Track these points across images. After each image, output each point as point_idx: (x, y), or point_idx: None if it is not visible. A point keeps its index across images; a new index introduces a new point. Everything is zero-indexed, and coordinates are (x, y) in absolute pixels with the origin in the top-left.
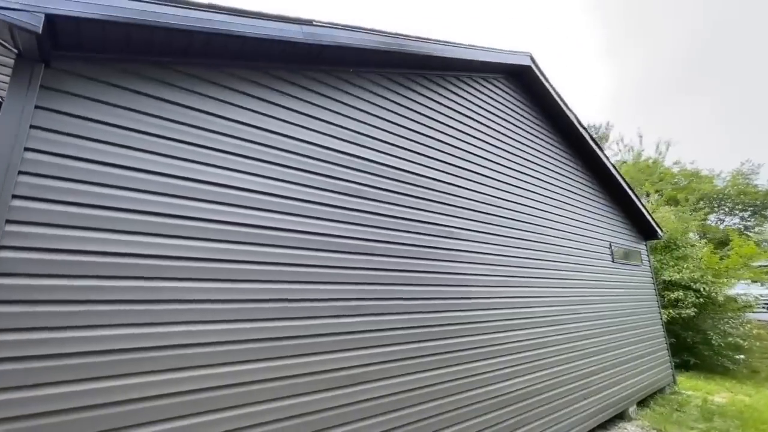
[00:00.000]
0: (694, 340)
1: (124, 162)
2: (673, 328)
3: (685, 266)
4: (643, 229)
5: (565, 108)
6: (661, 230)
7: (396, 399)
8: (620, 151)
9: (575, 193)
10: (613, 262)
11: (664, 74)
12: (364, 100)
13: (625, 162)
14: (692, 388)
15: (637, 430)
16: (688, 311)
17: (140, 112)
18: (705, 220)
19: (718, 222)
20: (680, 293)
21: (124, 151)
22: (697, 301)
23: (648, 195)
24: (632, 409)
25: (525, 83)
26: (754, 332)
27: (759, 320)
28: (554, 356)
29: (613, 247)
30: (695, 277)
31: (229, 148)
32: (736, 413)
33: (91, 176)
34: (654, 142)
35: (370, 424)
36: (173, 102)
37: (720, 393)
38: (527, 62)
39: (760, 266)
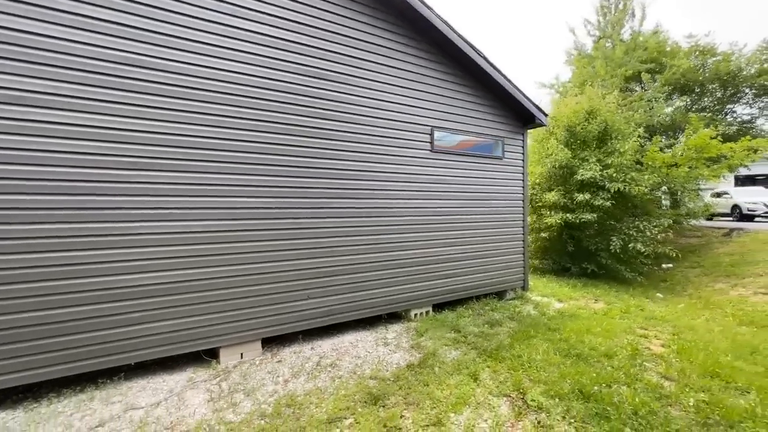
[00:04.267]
0: (599, 247)
1: None
2: (576, 234)
3: (606, 162)
4: (520, 113)
5: None
6: (544, 114)
7: None
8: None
9: (369, 60)
10: (432, 151)
11: None
12: None
13: (622, 40)
14: (550, 294)
15: (399, 329)
16: (584, 216)
17: None
18: (686, 106)
19: (727, 115)
20: (586, 195)
21: None
22: (603, 204)
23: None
24: (421, 311)
25: None
26: (694, 240)
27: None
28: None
29: (435, 134)
30: (611, 174)
31: None
32: (538, 319)
33: None
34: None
35: None
36: None
37: (577, 300)
38: None
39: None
